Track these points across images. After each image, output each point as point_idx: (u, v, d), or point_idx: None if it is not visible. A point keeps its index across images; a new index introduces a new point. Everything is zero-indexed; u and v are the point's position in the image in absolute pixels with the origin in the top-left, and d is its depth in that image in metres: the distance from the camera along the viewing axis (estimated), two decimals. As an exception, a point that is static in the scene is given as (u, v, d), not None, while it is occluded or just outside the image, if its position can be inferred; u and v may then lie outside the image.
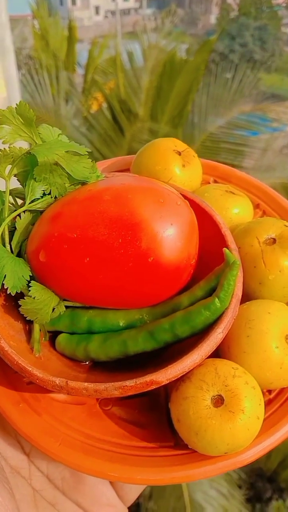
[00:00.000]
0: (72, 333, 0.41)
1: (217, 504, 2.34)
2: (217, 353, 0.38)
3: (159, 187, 0.38)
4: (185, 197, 0.41)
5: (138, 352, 0.38)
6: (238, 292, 0.37)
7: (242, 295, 0.38)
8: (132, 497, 0.42)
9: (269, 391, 0.40)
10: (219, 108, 3.56)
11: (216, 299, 0.36)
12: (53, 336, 0.42)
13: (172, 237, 0.35)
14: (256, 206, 0.52)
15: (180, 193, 0.41)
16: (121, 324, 0.40)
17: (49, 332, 0.42)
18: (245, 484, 2.90)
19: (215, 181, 0.55)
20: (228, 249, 0.39)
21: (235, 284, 0.36)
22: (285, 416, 0.38)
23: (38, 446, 0.37)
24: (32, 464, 0.40)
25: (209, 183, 0.54)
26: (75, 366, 0.41)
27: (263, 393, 0.39)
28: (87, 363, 0.41)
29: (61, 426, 0.38)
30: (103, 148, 3.51)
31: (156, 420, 0.40)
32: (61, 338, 0.41)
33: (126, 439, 0.39)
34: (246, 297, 0.41)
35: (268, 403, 0.39)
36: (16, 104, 0.40)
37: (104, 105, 3.74)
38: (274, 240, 0.41)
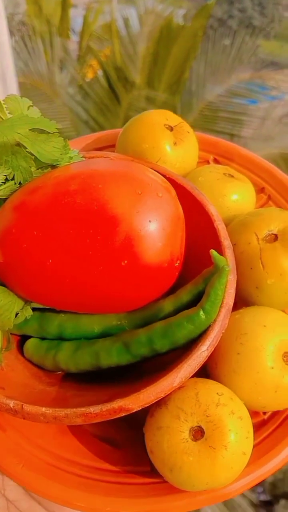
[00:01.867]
0: (42, 339, 0.36)
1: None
2: (205, 369, 0.33)
3: (138, 174, 0.32)
4: (174, 182, 0.35)
5: (112, 365, 0.33)
6: (229, 301, 0.31)
7: (237, 300, 0.33)
8: None
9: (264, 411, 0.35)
10: (217, 76, 3.49)
11: (201, 311, 0.30)
12: (22, 340, 0.37)
13: (150, 236, 0.30)
14: (261, 190, 0.46)
15: (169, 178, 0.35)
16: (95, 331, 0.35)
17: (17, 335, 0.37)
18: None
19: (215, 160, 0.48)
20: (220, 247, 0.34)
21: (223, 294, 0.31)
22: (280, 443, 0.33)
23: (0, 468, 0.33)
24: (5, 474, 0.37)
25: (209, 162, 0.48)
26: (44, 376, 0.36)
27: (256, 413, 0.34)
28: (59, 372, 0.36)
29: (27, 444, 0.34)
30: (99, 117, 3.44)
31: (132, 438, 0.35)
32: (29, 344, 0.36)
33: (98, 461, 0.34)
34: (243, 301, 0.35)
35: (261, 425, 0.34)
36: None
37: (100, 72, 3.66)
38: (275, 237, 0.35)
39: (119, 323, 0.34)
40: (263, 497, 3.14)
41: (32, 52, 3.52)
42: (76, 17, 4.65)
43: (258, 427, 0.34)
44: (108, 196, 0.30)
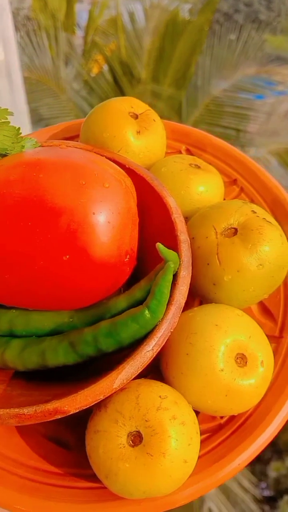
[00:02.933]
0: None
1: None
2: (157, 370, 0.31)
3: (82, 163, 0.30)
4: (133, 173, 0.34)
5: (59, 365, 0.31)
6: (180, 298, 0.29)
7: (198, 297, 0.30)
8: None
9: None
10: (223, 71, 3.47)
11: (146, 310, 0.28)
12: None
13: (94, 229, 0.28)
14: (233, 182, 0.43)
15: (128, 168, 0.33)
16: (46, 328, 0.33)
17: None
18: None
19: (188, 150, 0.46)
20: (176, 241, 0.31)
21: (169, 291, 0.29)
22: (235, 448, 0.30)
23: None
24: None
25: (181, 152, 0.46)
26: None
27: (213, 417, 0.32)
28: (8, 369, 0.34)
29: None
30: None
31: (82, 438, 0.33)
32: None
33: (44, 463, 0.33)
34: (203, 298, 0.33)
35: (218, 429, 0.32)
36: None
37: (105, 67, 3.65)
38: (235, 231, 0.32)
39: (71, 320, 0.32)
40: (266, 493, 3.14)
41: (37, 47, 3.52)
42: (81, 11, 4.63)
43: (214, 431, 0.32)
44: (49, 186, 0.28)
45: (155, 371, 0.33)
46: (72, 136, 0.46)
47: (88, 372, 0.31)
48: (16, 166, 0.29)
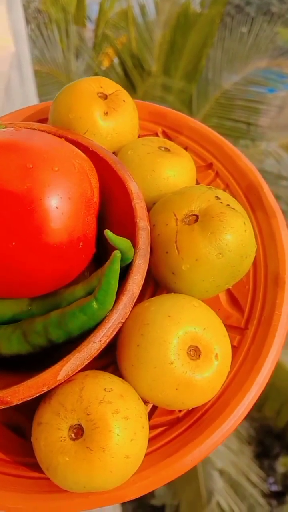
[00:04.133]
0: None
1: (226, 459, 2.39)
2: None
3: (31, 145, 0.29)
4: (95, 155, 0.32)
5: (13, 355, 0.30)
6: (133, 288, 0.28)
7: (162, 286, 0.29)
8: None
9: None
10: (234, 64, 3.44)
11: (94, 301, 0.27)
12: None
13: (41, 215, 0.27)
14: (208, 166, 0.42)
15: (91, 151, 0.33)
16: (6, 316, 0.32)
17: None
18: (254, 441, 2.97)
19: (164, 133, 0.44)
20: (134, 228, 0.30)
21: (117, 281, 0.28)
22: (189, 444, 0.29)
23: None
24: None
25: (157, 135, 0.44)
26: None
27: (171, 411, 0.31)
28: None
29: None
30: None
31: None
32: None
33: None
34: (165, 288, 0.32)
35: (175, 423, 0.31)
36: None
37: (116, 60, 3.64)
38: (196, 218, 0.31)
39: (29, 308, 0.31)
40: (274, 488, 3.14)
41: (48, 40, 3.52)
42: (92, 4, 4.61)
43: (171, 425, 0.31)
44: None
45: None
46: (47, 118, 0.45)
47: (44, 362, 0.30)
48: None
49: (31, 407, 0.30)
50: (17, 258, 0.27)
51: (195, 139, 0.43)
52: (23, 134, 0.30)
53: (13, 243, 0.26)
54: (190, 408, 0.30)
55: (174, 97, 3.35)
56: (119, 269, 0.27)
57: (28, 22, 3.54)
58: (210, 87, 3.45)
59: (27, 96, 1.88)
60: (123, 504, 3.09)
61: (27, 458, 0.31)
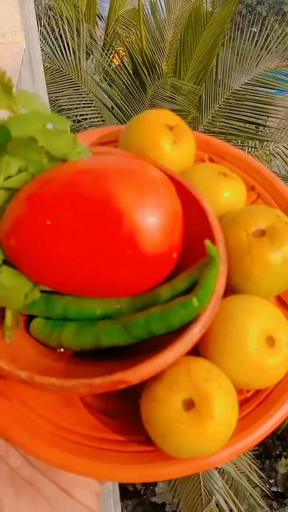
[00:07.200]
0: (47, 318, 0.39)
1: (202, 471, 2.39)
2: (194, 349, 0.37)
3: (142, 171, 0.35)
4: (173, 179, 0.38)
5: (112, 345, 0.36)
6: (219, 290, 0.35)
7: (226, 288, 0.36)
8: None
9: (247, 390, 0.38)
10: (244, 64, 3.44)
11: (194, 298, 0.33)
12: (28, 319, 0.40)
13: (153, 229, 0.32)
14: (251, 189, 0.48)
15: (168, 175, 0.38)
16: (97, 313, 0.38)
17: (25, 315, 0.40)
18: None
19: (210, 159, 0.51)
20: (213, 240, 0.37)
21: (215, 283, 0.34)
22: (260, 419, 0.36)
23: (5, 434, 0.36)
24: (8, 442, 0.39)
25: (204, 160, 0.51)
26: (49, 353, 0.39)
27: (241, 391, 0.37)
28: (62, 350, 0.39)
29: (31, 414, 0.37)
30: (124, 104, 3.43)
31: (129, 410, 0.39)
32: (35, 324, 0.40)
33: (97, 430, 0.38)
34: (230, 289, 0.38)
35: (244, 402, 0.37)
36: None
37: (126, 59, 3.64)
38: (263, 232, 0.38)
39: (119, 307, 0.37)
40: (274, 489, 3.18)
41: (59, 37, 3.50)
42: (103, 2, 4.61)
43: (241, 404, 0.37)
44: (114, 190, 0.32)
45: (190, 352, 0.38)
46: (107, 142, 0.51)
47: (134, 352, 0.36)
48: (85, 172, 0.34)
49: (119, 393, 0.36)
50: (126, 267, 0.33)
51: (237, 164, 0.49)
52: (131, 161, 0.36)
53: (128, 252, 0.32)
54: (263, 388, 0.37)
55: (183, 97, 3.36)
56: (218, 273, 0.34)
57: (39, 19, 3.55)
58: (219, 87, 3.45)
59: (38, 93, 1.87)
60: (124, 501, 3.14)
61: (121, 436, 0.37)
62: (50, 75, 3.32)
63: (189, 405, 0.33)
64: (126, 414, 0.39)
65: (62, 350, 0.39)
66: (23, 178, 0.37)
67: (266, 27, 3.43)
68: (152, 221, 0.32)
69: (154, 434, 0.34)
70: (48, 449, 0.36)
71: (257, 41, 3.44)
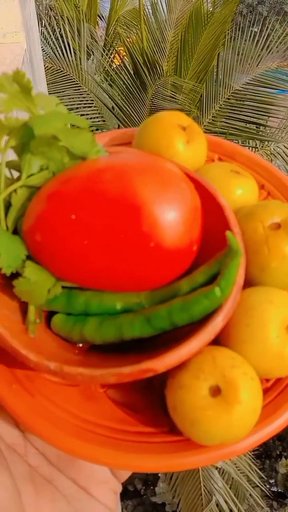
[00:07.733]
0: (68, 314, 0.40)
1: (228, 460, 2.40)
2: (215, 340, 0.38)
3: (163, 167, 0.36)
4: (189, 176, 0.39)
5: (134, 337, 0.37)
6: (240, 280, 0.36)
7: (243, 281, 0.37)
8: (125, 474, 0.43)
9: (267, 379, 0.39)
10: (245, 64, 3.44)
11: (217, 288, 0.34)
12: (49, 315, 0.41)
13: (174, 222, 0.33)
14: (261, 187, 0.49)
15: (185, 173, 0.39)
16: (118, 308, 0.38)
17: (45, 311, 0.41)
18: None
19: (220, 159, 0.52)
20: (233, 233, 0.37)
21: (237, 273, 0.35)
22: (281, 407, 0.37)
23: (30, 428, 0.36)
24: (28, 441, 0.40)
25: (213, 160, 0.52)
26: (70, 347, 0.40)
27: (261, 381, 0.38)
28: (81, 345, 0.40)
29: (55, 408, 0.38)
30: (124, 104, 3.44)
31: (151, 403, 0.39)
32: (56, 319, 0.40)
33: (120, 423, 0.38)
34: (247, 282, 0.39)
35: (265, 392, 0.38)
36: (12, 71, 0.37)
37: (127, 59, 3.64)
38: (278, 225, 0.39)
39: (139, 301, 0.38)
40: (274, 489, 3.18)
41: (59, 37, 3.50)
42: (103, 2, 4.61)
43: (263, 393, 0.38)
44: (139, 186, 0.33)
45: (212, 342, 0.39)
46: (119, 144, 0.52)
47: (156, 343, 0.37)
48: (108, 168, 0.35)
49: (139, 387, 0.37)
50: (151, 259, 0.34)
51: (247, 164, 0.51)
52: (151, 158, 0.37)
53: (152, 244, 0.33)
54: (283, 376, 0.38)
55: (184, 96, 3.37)
56: (239, 263, 0.35)
57: (40, 19, 3.55)
58: (220, 87, 3.46)
59: (38, 93, 1.87)
60: (124, 501, 3.13)
61: (145, 427, 0.38)
62: (51, 75, 3.33)
63: (216, 391, 0.34)
64: (147, 407, 0.39)
65: (81, 345, 0.40)
66: (45, 176, 0.38)
67: (267, 27, 3.43)
68: (174, 215, 0.33)
69: (182, 421, 0.35)
70: (73, 441, 0.36)
71: (258, 41, 3.44)
